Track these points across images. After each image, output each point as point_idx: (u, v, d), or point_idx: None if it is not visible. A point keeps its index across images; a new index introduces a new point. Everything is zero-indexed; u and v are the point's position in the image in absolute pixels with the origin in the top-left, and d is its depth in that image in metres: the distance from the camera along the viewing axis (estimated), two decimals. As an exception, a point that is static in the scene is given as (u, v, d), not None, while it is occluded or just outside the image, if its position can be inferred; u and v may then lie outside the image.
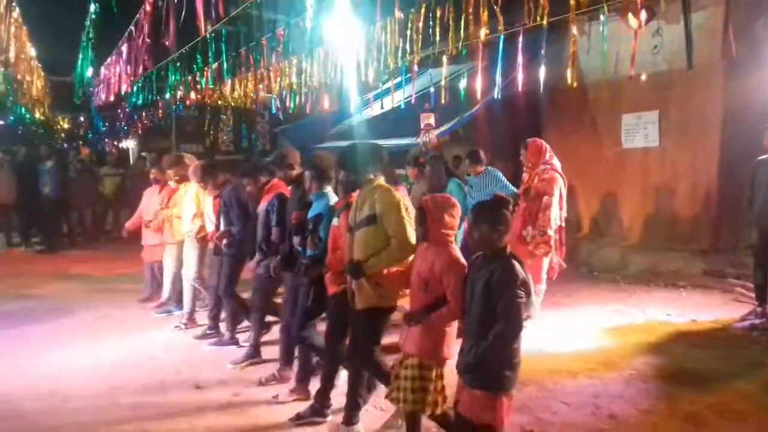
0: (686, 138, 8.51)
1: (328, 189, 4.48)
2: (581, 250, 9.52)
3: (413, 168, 6.83)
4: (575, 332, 6.02)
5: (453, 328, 3.39)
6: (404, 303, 3.87)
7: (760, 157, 6.09)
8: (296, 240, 4.61)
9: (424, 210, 3.40)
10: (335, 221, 4.20)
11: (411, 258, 3.62)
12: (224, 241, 5.77)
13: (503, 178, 6.78)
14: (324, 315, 4.53)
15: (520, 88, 6.29)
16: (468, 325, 3.14)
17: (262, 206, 5.32)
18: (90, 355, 5.72)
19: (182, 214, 6.76)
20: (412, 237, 3.61)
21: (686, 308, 6.72)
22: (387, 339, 4.01)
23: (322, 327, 4.50)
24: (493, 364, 2.98)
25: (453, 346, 3.37)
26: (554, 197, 5.76)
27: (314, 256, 4.32)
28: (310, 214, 4.47)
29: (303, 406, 4.29)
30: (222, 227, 5.89)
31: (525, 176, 6.12)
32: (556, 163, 6.02)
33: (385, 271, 3.70)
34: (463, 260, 3.33)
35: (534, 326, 6.14)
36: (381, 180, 3.93)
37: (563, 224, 6.00)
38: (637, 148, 9.22)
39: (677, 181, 8.68)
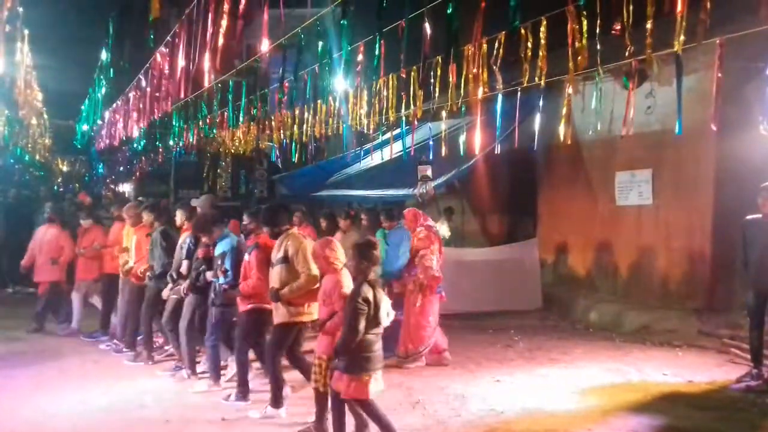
0: (680, 197, 8.62)
1: (227, 231, 6.00)
2: (577, 306, 9.50)
3: (345, 220, 7.96)
4: (572, 390, 5.95)
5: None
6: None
7: (748, 217, 6.15)
8: (210, 273, 5.84)
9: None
10: (246, 257, 5.56)
11: (317, 284, 4.93)
12: (147, 274, 6.82)
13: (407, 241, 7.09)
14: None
15: (516, 145, 6.43)
16: None
17: (179, 242, 6.53)
18: (77, 401, 5.60)
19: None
20: (315, 271, 4.98)
21: (682, 368, 6.66)
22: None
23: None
24: (341, 354, 4.15)
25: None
26: (429, 249, 6.78)
27: (230, 283, 5.67)
28: (217, 252, 5.84)
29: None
30: (149, 263, 6.91)
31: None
32: (431, 223, 7.26)
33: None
34: (344, 282, 4.57)
35: (530, 382, 6.14)
36: (294, 230, 5.47)
37: (439, 274, 6.83)
38: (631, 205, 9.33)
39: (671, 239, 8.75)
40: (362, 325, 4.08)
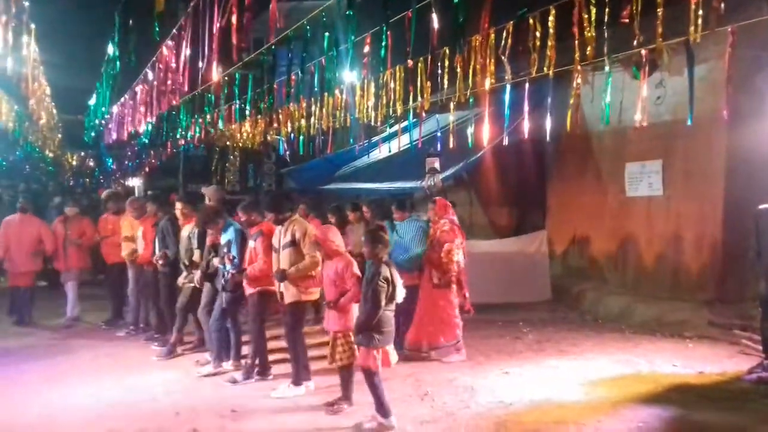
0: (690, 187, 8.54)
1: (230, 220, 6.32)
2: (586, 297, 9.46)
3: (354, 213, 8.00)
4: (581, 382, 5.93)
5: (354, 307, 4.94)
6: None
7: (761, 206, 6.08)
8: (217, 260, 6.14)
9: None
10: (252, 243, 5.88)
11: (318, 268, 5.38)
12: (161, 261, 7.09)
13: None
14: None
15: (525, 136, 6.38)
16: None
17: (185, 233, 6.83)
18: (88, 394, 5.64)
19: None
20: (319, 257, 5.30)
21: (693, 360, 6.63)
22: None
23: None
24: (364, 329, 4.64)
25: (353, 319, 4.90)
26: (455, 243, 6.70)
27: (236, 269, 5.94)
28: (223, 240, 6.13)
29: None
30: (158, 251, 7.19)
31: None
32: (456, 218, 7.14)
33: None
34: (353, 260, 5.11)
35: (539, 374, 6.13)
36: (296, 216, 5.84)
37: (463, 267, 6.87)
38: (641, 196, 9.26)
39: (682, 230, 8.68)
40: (384, 302, 4.58)
